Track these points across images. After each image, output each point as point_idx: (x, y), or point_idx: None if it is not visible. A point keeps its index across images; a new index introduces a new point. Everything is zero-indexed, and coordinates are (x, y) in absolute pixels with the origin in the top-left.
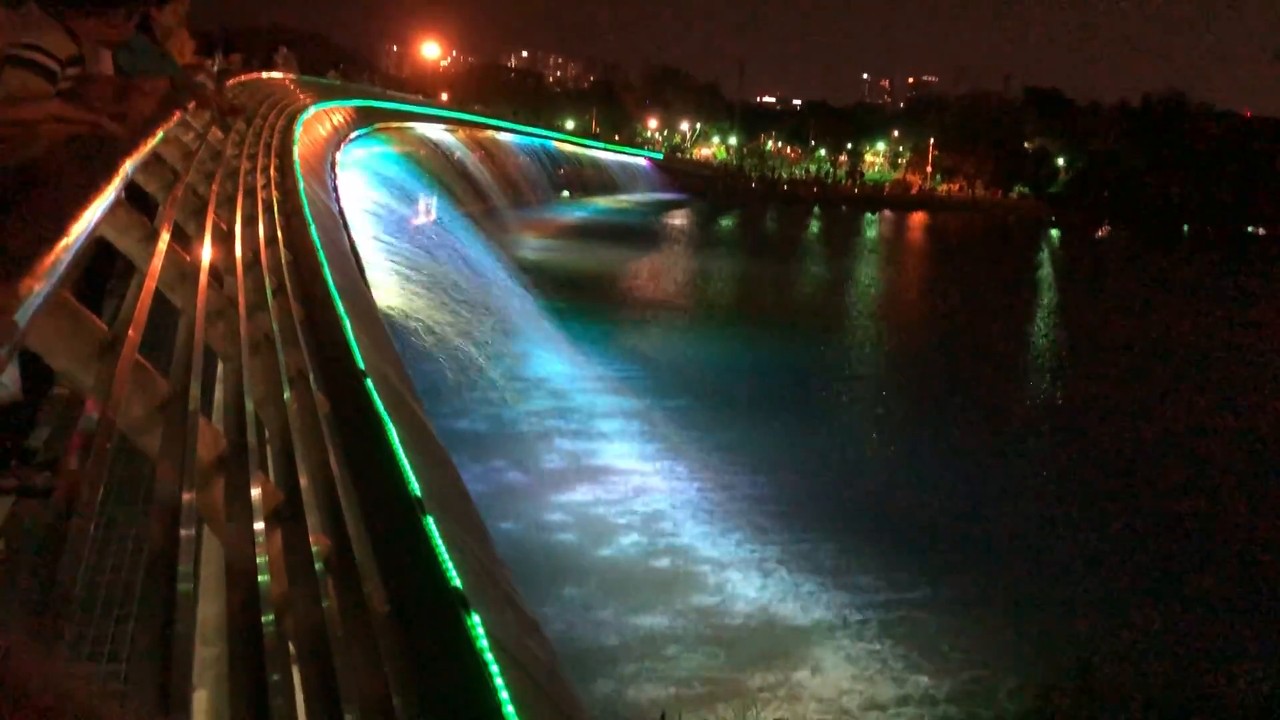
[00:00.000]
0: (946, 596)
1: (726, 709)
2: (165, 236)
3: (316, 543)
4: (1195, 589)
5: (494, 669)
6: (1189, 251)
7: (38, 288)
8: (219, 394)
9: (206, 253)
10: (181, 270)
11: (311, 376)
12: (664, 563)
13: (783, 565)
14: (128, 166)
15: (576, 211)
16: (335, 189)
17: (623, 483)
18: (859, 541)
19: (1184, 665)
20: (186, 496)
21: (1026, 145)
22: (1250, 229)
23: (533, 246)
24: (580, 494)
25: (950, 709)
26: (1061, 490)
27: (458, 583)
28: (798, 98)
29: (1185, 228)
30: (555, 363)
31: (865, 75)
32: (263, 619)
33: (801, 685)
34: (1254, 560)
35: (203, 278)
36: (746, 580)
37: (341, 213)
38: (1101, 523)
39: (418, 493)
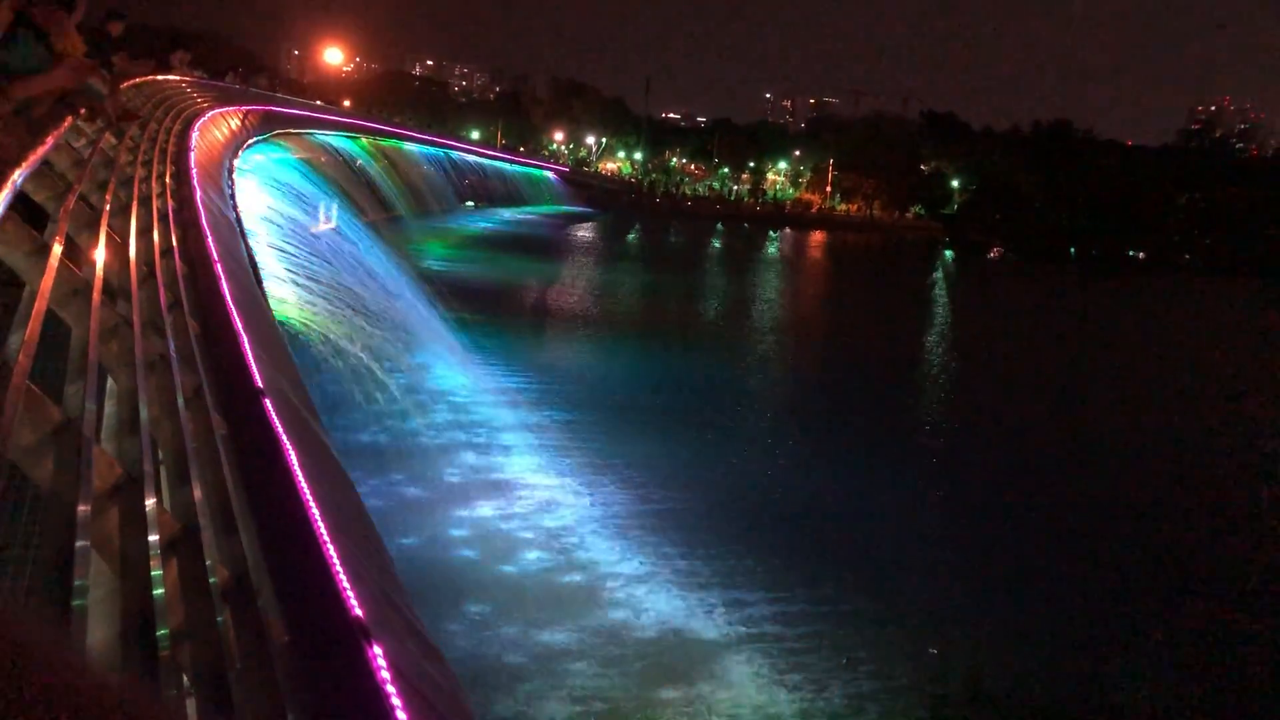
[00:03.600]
0: (851, 610)
1: None
2: (57, 250)
3: (214, 573)
4: (1084, 601)
5: (395, 700)
6: (1074, 273)
7: None
8: (114, 417)
9: (100, 267)
10: (74, 286)
11: (208, 396)
12: (570, 579)
13: (691, 580)
14: (16, 177)
15: (481, 222)
16: (233, 196)
17: (527, 497)
18: (766, 556)
19: (1071, 677)
20: (80, 532)
21: (923, 167)
22: (1131, 253)
23: (436, 257)
24: (482, 509)
25: None
26: (957, 504)
27: (358, 611)
28: (703, 115)
29: (1072, 250)
30: (458, 375)
31: (768, 95)
32: (159, 652)
33: (705, 700)
34: (1140, 572)
35: (96, 295)
36: (654, 595)
37: (239, 220)
38: (996, 536)
39: (317, 517)
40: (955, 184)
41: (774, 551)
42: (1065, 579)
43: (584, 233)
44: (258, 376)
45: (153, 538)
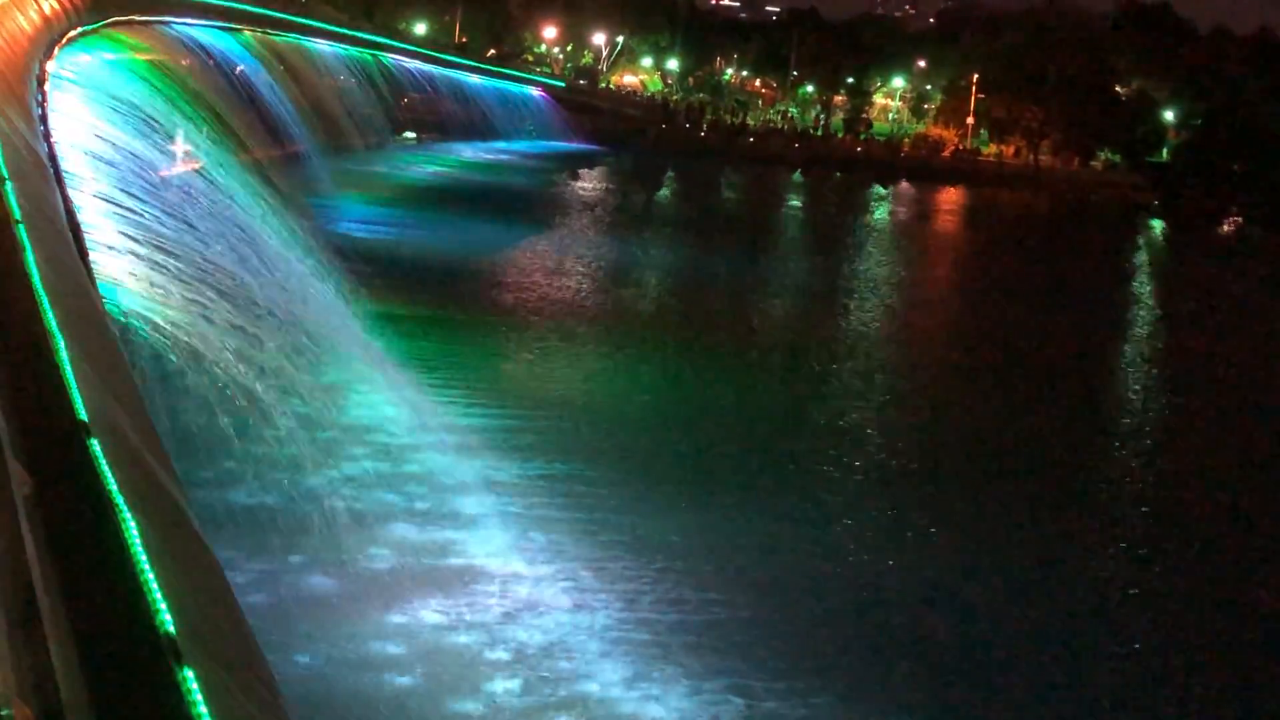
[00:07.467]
0: None
1: None
2: None
3: (8, 705)
4: None
5: None
6: None
7: None
8: None
9: None
10: None
11: (3, 435)
12: None
13: None
14: None
15: (429, 165)
16: (44, 119)
17: (495, 594)
18: (848, 686)
19: None
20: None
21: (1119, 90)
22: None
23: (358, 218)
24: (426, 611)
25: None
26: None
27: None
28: (774, 4)
29: None
30: (386, 403)
31: None
32: None
33: None
34: None
35: None
36: None
37: (54, 158)
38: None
39: (169, 625)
40: (1169, 116)
41: (862, 682)
42: None
43: (587, 184)
44: (80, 403)
45: None
